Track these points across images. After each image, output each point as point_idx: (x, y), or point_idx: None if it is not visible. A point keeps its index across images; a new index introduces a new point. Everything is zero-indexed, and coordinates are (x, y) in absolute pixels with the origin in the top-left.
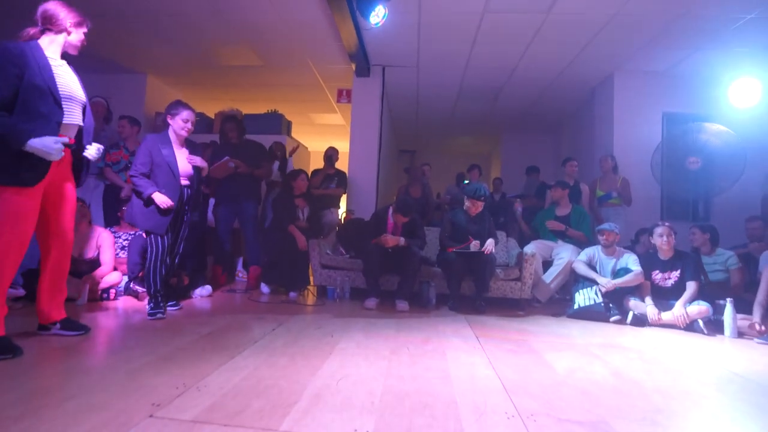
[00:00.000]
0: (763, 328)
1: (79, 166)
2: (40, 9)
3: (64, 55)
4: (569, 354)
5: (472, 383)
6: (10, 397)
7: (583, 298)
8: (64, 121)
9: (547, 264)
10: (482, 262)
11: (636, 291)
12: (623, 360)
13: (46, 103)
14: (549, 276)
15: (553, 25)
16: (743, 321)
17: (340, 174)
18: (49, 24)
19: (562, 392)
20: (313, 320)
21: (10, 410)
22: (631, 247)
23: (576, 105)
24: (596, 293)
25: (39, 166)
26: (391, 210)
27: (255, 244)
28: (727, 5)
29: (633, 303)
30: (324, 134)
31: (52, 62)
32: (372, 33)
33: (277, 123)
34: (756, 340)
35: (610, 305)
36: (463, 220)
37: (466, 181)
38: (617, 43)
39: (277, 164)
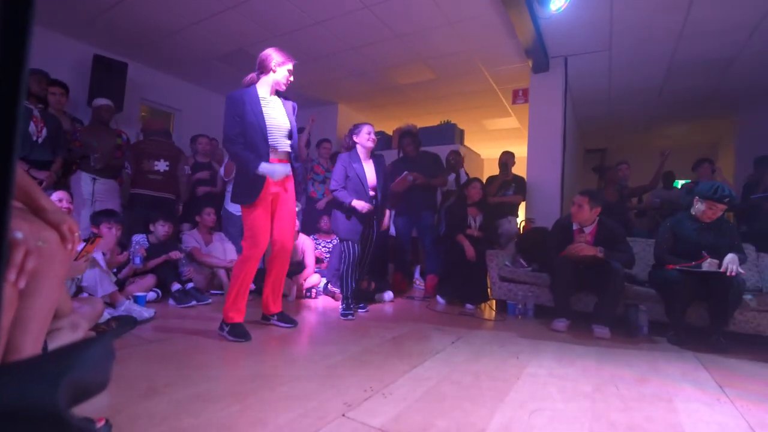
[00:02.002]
0: None
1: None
2: (258, 57)
3: (278, 92)
4: None
5: None
6: (243, 373)
7: None
8: (271, 146)
9: None
10: (723, 286)
11: None
12: None
13: (258, 134)
14: None
15: None
16: None
17: (518, 180)
18: (261, 67)
19: None
20: (494, 337)
21: (243, 385)
22: None
23: None
24: None
25: (254, 188)
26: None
27: (432, 254)
28: None
29: None
30: (497, 140)
31: (262, 101)
32: (551, 21)
33: (450, 133)
34: None
35: None
36: (691, 230)
37: (681, 181)
38: None
39: (453, 176)
